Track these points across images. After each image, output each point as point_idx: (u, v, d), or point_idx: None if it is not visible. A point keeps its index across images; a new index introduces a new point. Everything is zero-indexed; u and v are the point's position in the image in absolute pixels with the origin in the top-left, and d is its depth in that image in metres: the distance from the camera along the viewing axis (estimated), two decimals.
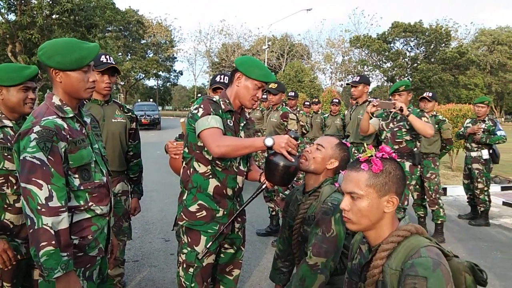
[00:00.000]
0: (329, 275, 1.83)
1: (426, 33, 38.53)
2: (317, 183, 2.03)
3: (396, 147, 3.74)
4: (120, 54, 38.30)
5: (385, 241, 1.29)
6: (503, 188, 7.49)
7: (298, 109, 7.31)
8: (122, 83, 41.15)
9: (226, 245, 2.17)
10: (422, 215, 4.91)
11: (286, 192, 4.31)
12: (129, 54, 41.93)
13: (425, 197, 4.85)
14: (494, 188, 7.12)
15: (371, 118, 4.01)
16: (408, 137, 3.77)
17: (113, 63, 2.55)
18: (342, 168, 2.02)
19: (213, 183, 2.00)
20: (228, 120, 2.01)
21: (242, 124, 2.11)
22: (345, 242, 1.90)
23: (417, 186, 4.95)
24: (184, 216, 2.03)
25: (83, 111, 1.79)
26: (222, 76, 2.80)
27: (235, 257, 2.22)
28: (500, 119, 47.24)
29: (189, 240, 2.02)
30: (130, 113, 2.77)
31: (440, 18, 53.37)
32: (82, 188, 1.62)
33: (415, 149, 3.90)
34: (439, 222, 4.66)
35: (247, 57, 2.12)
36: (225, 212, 2.04)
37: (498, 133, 5.17)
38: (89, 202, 1.64)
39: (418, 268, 1.16)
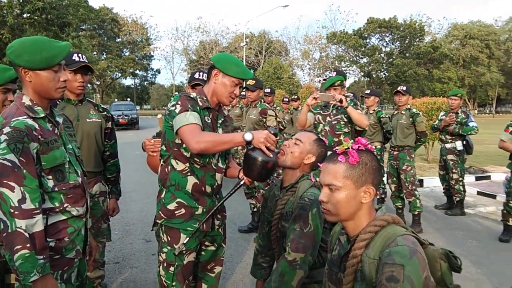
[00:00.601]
0: (308, 269, 1.85)
1: (401, 29, 39.29)
2: (294, 178, 2.04)
3: (336, 139, 3.78)
4: (95, 53, 37.56)
5: (363, 231, 1.32)
6: (477, 178, 7.72)
7: (274, 105, 7.35)
8: (98, 82, 40.37)
9: (207, 243, 2.15)
10: (400, 207, 5.02)
11: (267, 189, 4.32)
12: (105, 53, 41.18)
13: (402, 189, 4.96)
14: (469, 178, 7.34)
15: (321, 110, 4.03)
16: (346, 130, 3.83)
17: (86, 61, 2.49)
18: (316, 166, 2.04)
19: (191, 180, 1.98)
20: (206, 117, 2.00)
21: (220, 121, 2.10)
22: (323, 236, 1.92)
23: (394, 179, 5.06)
24: (162, 214, 2.01)
25: (55, 111, 1.75)
26: (201, 73, 2.79)
27: (216, 254, 2.22)
28: (473, 111, 48.69)
29: (169, 239, 2.00)
30: (105, 112, 2.72)
31: (414, 13, 54.40)
32: (56, 189, 1.59)
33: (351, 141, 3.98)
34: (416, 212, 4.77)
35: (224, 54, 2.11)
36: (204, 210, 2.02)
37: (470, 124, 5.33)
38: (65, 204, 1.61)
39: (395, 256, 1.18)
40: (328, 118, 3.88)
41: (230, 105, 7.55)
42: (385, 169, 5.54)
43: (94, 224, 2.61)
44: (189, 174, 1.99)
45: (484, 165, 9.16)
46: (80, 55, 2.48)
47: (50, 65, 1.58)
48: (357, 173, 1.32)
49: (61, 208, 1.60)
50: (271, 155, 1.86)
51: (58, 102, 2.47)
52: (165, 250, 2.01)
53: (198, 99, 2.00)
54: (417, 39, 40.16)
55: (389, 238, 1.25)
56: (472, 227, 4.94)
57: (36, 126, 1.55)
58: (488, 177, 7.84)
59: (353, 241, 1.34)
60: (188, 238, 1.98)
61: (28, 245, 1.42)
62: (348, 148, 1.35)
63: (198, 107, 1.96)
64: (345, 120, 3.80)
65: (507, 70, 46.08)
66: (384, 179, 5.67)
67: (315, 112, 3.95)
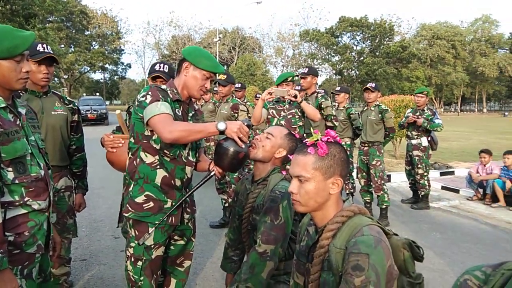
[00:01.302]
0: (278, 261, 1.87)
1: (371, 28, 40.15)
2: (265, 172, 2.06)
3: (293, 132, 3.91)
4: (62, 45, 36.33)
5: (330, 221, 1.34)
6: (442, 174, 8.01)
7: (245, 101, 7.35)
8: (65, 76, 39.10)
9: (176, 237, 2.13)
10: (368, 201, 5.14)
11: (238, 183, 4.33)
12: (73, 46, 39.91)
13: (371, 183, 5.08)
14: (434, 174, 7.59)
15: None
16: (300, 123, 3.98)
17: (51, 52, 2.41)
18: (287, 159, 2.07)
19: (160, 173, 1.95)
20: (177, 110, 1.97)
21: (190, 115, 2.07)
22: (293, 228, 1.95)
23: (364, 174, 5.18)
24: (130, 208, 1.97)
25: (18, 101, 1.68)
26: (161, 65, 2.72)
27: (185, 249, 2.20)
28: (439, 109, 50.35)
29: (137, 233, 1.96)
30: (71, 105, 2.63)
31: (384, 13, 55.70)
32: (17, 181, 1.53)
33: (304, 135, 4.10)
34: (384, 206, 4.90)
35: (195, 47, 2.08)
36: (173, 203, 1.99)
37: (436, 121, 5.53)
38: (25, 197, 1.55)
39: (361, 245, 1.21)
40: (282, 113, 3.99)
41: (203, 100, 7.49)
42: (355, 165, 5.68)
43: (60, 220, 2.54)
44: (158, 167, 1.95)
45: (449, 161, 9.50)
46: (44, 45, 2.40)
47: (12, 55, 1.51)
48: (326, 165, 1.34)
49: (21, 202, 1.54)
50: (243, 146, 1.87)
51: (21, 94, 2.38)
52: (132, 244, 1.97)
53: (169, 91, 1.97)
54: (387, 39, 41.19)
55: (355, 228, 1.28)
56: (436, 220, 5.12)
57: None
58: (452, 173, 8.15)
59: (320, 231, 1.36)
60: (153, 229, 1.94)
61: None
62: (318, 140, 1.37)
63: (169, 99, 1.94)
64: (299, 114, 3.94)
65: (471, 70, 47.99)
66: (354, 174, 5.81)
67: (268, 107, 4.04)
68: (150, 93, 1.90)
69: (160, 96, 1.88)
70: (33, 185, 1.59)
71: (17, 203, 1.53)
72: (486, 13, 50.24)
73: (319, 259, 1.32)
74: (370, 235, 1.23)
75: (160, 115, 1.81)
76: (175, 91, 2.00)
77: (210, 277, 3.34)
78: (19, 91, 2.34)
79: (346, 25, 40.39)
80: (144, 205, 1.95)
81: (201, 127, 1.86)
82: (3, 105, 1.54)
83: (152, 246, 1.97)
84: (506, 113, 49.68)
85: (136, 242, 1.96)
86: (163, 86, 1.99)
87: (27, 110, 1.72)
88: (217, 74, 2.13)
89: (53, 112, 2.49)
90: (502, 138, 16.61)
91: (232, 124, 1.84)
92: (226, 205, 4.69)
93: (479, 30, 50.37)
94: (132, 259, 1.97)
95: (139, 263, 1.96)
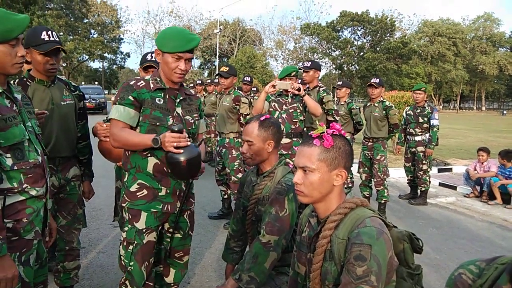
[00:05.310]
0: (281, 252, 1.89)
1: (373, 23, 39.92)
2: (270, 165, 2.07)
3: (293, 127, 3.97)
4: (61, 33, 36.02)
5: (333, 213, 1.36)
6: (439, 170, 8.06)
7: (252, 94, 7.35)
8: (64, 64, 38.82)
9: (171, 229, 2.13)
10: (367, 195, 5.18)
11: (239, 175, 4.35)
12: (72, 34, 39.57)
13: (372, 178, 5.11)
14: (432, 170, 7.59)
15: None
16: (301, 117, 4.01)
17: (57, 40, 2.29)
18: (280, 138, 2.09)
19: (152, 161, 1.96)
20: (157, 99, 1.97)
21: (178, 100, 2.04)
22: (297, 220, 1.96)
23: (366, 168, 5.20)
24: (126, 198, 2.00)
25: (13, 86, 1.67)
26: (153, 55, 2.66)
27: (184, 244, 2.21)
28: (438, 106, 50.37)
29: (130, 217, 1.99)
30: (77, 91, 2.57)
31: (386, 8, 55.46)
32: (15, 168, 1.53)
33: (305, 129, 4.12)
34: (383, 201, 4.94)
35: (163, 31, 2.02)
36: (168, 191, 2.00)
37: (432, 121, 5.54)
38: (24, 184, 1.55)
39: (364, 236, 1.23)
40: (284, 106, 4.01)
41: (207, 92, 7.45)
42: (356, 160, 5.69)
43: (71, 210, 2.53)
44: (149, 155, 1.96)
45: (447, 158, 9.55)
46: (50, 32, 2.26)
47: (7, 39, 1.50)
48: (330, 156, 1.36)
49: (19, 189, 1.55)
50: (181, 152, 1.79)
51: (28, 83, 2.31)
52: (126, 228, 2.01)
53: (151, 81, 1.98)
54: (388, 34, 40.98)
55: (358, 219, 1.30)
56: (433, 216, 5.17)
57: None
58: (450, 169, 8.20)
59: (323, 222, 1.38)
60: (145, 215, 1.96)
61: None
62: (323, 132, 1.39)
63: (142, 92, 1.93)
64: (301, 108, 3.97)
65: (471, 68, 47.92)
66: (354, 169, 5.83)
67: (270, 100, 4.06)
68: (118, 92, 1.98)
69: (119, 97, 1.94)
70: (32, 172, 1.59)
71: (15, 190, 1.53)
72: (488, 11, 50.12)
73: (322, 249, 1.34)
74: (373, 227, 1.26)
75: (112, 120, 1.93)
76: (158, 79, 1.99)
77: (208, 267, 3.37)
78: (26, 81, 2.32)
79: (347, 19, 40.18)
80: (137, 193, 1.97)
81: (139, 140, 1.87)
82: None
83: (144, 230, 1.98)
84: (505, 112, 49.78)
85: (129, 226, 1.98)
86: (147, 77, 2.00)
87: (22, 96, 1.70)
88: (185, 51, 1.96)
89: (62, 103, 2.41)
90: (499, 136, 16.69)
91: (163, 138, 1.80)
92: (225, 196, 4.72)
93: (481, 28, 50.25)
94: (125, 243, 2.00)
95: (131, 247, 1.98)
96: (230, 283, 1.86)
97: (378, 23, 39.49)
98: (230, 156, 4.43)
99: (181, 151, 1.80)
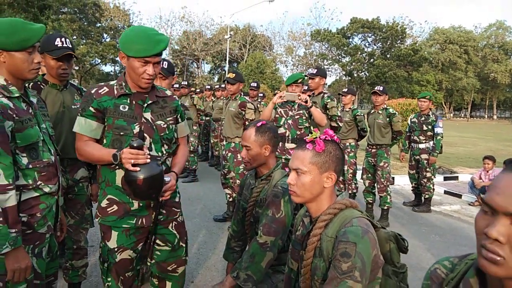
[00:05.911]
0: (277, 252, 1.98)
1: (383, 30, 39.92)
2: (268, 169, 2.16)
3: (298, 132, 4.09)
4: (75, 37, 36.66)
5: (323, 212, 1.45)
6: (445, 178, 8.05)
7: (259, 100, 7.46)
8: (76, 68, 39.43)
9: (158, 241, 2.00)
10: (371, 201, 5.23)
11: (243, 178, 4.44)
12: (85, 38, 40.21)
13: (376, 184, 5.16)
14: (438, 178, 7.62)
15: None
16: (307, 124, 4.12)
17: (70, 46, 2.42)
18: (276, 143, 2.16)
19: (120, 174, 1.81)
20: (122, 106, 1.83)
21: (145, 105, 1.86)
22: (293, 222, 2.05)
23: (369, 175, 5.27)
24: (98, 213, 1.92)
25: (29, 91, 1.80)
26: (165, 62, 2.73)
27: (176, 255, 2.05)
28: (448, 114, 49.99)
29: (102, 234, 1.94)
30: None
31: (396, 15, 55.42)
32: (30, 166, 1.65)
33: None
34: (385, 207, 4.99)
35: (126, 32, 1.83)
36: (141, 204, 1.87)
37: (436, 129, 5.58)
38: (38, 181, 1.68)
39: (349, 235, 1.32)
40: (290, 113, 4.13)
41: (215, 97, 7.50)
42: (359, 166, 5.76)
43: (79, 211, 2.61)
44: (117, 167, 1.82)
45: (454, 166, 9.53)
46: (63, 39, 2.39)
47: (24, 47, 1.63)
48: (321, 160, 1.45)
49: (34, 186, 1.66)
50: (137, 170, 1.66)
51: (42, 87, 2.43)
52: (101, 245, 1.97)
53: (115, 87, 1.85)
54: (399, 41, 40.92)
55: (346, 219, 1.39)
56: (436, 223, 5.19)
57: (11, 105, 1.60)
58: (456, 178, 8.19)
59: (314, 221, 1.47)
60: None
61: (1, 219, 1.48)
62: (316, 137, 1.48)
63: (95, 104, 1.80)
64: (306, 115, 4.08)
65: (483, 76, 47.54)
66: (358, 175, 5.89)
67: (277, 106, 4.17)
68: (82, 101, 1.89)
69: (81, 109, 1.85)
70: (45, 170, 1.71)
71: (30, 187, 1.66)
72: (500, 19, 49.75)
73: (312, 246, 1.43)
74: (359, 226, 1.34)
75: (76, 134, 1.86)
76: (124, 84, 1.85)
77: (212, 267, 3.46)
78: (40, 85, 2.45)
79: (357, 26, 40.25)
80: (108, 209, 1.87)
81: (100, 155, 1.78)
82: (17, 95, 1.65)
83: (116, 249, 1.89)
84: None
85: (103, 243, 1.94)
86: (112, 83, 1.89)
87: (37, 99, 1.84)
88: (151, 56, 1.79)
89: (73, 106, 2.52)
90: (510, 145, 16.52)
91: (122, 154, 1.68)
92: (230, 199, 4.81)
93: (493, 36, 49.91)
94: (101, 259, 1.97)
95: (105, 264, 1.94)
96: (228, 280, 1.95)
97: (388, 30, 39.48)
98: (235, 160, 4.53)
99: (138, 169, 1.65)
